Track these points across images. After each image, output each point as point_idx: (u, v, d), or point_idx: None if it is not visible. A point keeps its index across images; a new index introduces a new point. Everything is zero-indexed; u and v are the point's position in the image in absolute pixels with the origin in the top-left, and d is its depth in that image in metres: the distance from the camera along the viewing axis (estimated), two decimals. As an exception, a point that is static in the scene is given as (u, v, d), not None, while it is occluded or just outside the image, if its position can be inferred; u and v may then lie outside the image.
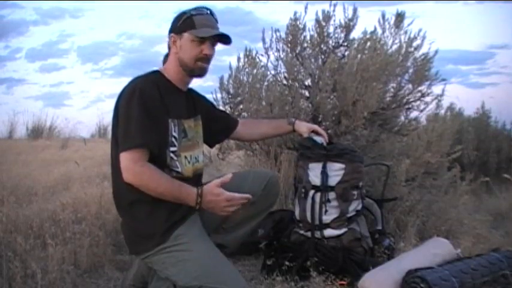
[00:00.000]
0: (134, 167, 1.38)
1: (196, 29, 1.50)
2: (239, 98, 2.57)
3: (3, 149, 5.82)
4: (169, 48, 1.57)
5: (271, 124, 1.93)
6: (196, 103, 1.66)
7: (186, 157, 1.54)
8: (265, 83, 2.47)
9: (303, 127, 1.87)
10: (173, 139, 1.50)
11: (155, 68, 1.60)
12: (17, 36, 12.66)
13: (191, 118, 1.60)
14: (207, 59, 1.54)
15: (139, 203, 1.44)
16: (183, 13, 1.53)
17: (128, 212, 1.49)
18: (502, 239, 2.29)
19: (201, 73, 1.57)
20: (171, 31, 1.55)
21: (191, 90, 1.68)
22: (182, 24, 1.52)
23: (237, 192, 1.60)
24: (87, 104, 13.51)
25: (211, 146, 1.89)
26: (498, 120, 4.64)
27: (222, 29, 1.57)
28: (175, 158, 1.50)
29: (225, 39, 1.57)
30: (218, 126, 1.78)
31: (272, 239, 1.96)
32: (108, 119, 9.09)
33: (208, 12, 1.55)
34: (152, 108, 1.43)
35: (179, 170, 1.51)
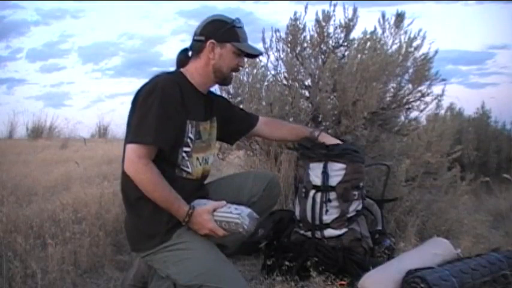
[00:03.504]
0: (138, 162, 1.37)
1: (240, 43, 1.54)
2: (239, 98, 2.56)
3: (3, 149, 5.81)
4: (196, 50, 1.55)
5: (293, 130, 1.90)
6: (214, 105, 1.66)
7: (198, 158, 1.55)
8: (265, 83, 2.47)
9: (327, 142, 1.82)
10: (188, 140, 1.50)
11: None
12: (18, 36, 12.64)
13: (207, 120, 1.60)
14: (238, 70, 1.62)
15: (145, 199, 1.42)
16: (224, 22, 1.54)
17: (134, 207, 1.48)
18: (502, 239, 2.30)
19: (230, 82, 1.66)
20: (210, 37, 1.52)
21: (209, 92, 1.68)
22: (226, 33, 1.53)
23: (239, 193, 1.63)
24: (87, 104, 13.50)
25: (231, 143, 1.94)
26: (498, 120, 4.66)
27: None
28: (186, 158, 1.50)
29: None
30: (237, 125, 1.78)
31: (272, 239, 1.96)
32: (108, 119, 9.10)
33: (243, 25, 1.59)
34: (171, 107, 1.43)
35: (190, 170, 1.52)
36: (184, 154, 1.50)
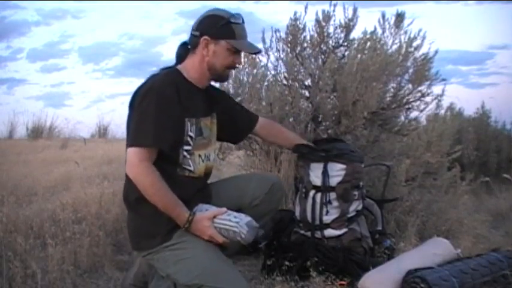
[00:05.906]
0: (139, 164, 1.37)
1: (235, 40, 1.48)
2: (239, 98, 2.56)
3: (3, 149, 5.81)
4: (192, 45, 1.53)
5: (288, 140, 1.86)
6: (214, 100, 1.63)
7: (200, 155, 1.54)
8: (265, 83, 2.47)
9: None
10: (189, 138, 1.49)
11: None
12: (19, 36, 12.66)
13: (208, 116, 1.59)
14: (235, 67, 1.58)
15: (145, 200, 1.41)
16: (220, 17, 1.48)
17: (135, 207, 1.49)
18: (502, 239, 2.29)
19: (226, 79, 1.64)
20: (204, 33, 1.48)
21: (210, 87, 1.65)
22: (220, 30, 1.48)
23: (241, 196, 1.63)
24: (87, 104, 13.50)
25: (235, 143, 1.88)
26: (498, 120, 4.65)
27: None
28: (188, 156, 1.50)
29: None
30: (240, 124, 1.75)
31: (272, 239, 1.96)
32: (108, 119, 9.11)
33: (242, 21, 1.52)
34: (168, 108, 1.42)
35: (192, 168, 1.51)
36: (185, 153, 1.49)
